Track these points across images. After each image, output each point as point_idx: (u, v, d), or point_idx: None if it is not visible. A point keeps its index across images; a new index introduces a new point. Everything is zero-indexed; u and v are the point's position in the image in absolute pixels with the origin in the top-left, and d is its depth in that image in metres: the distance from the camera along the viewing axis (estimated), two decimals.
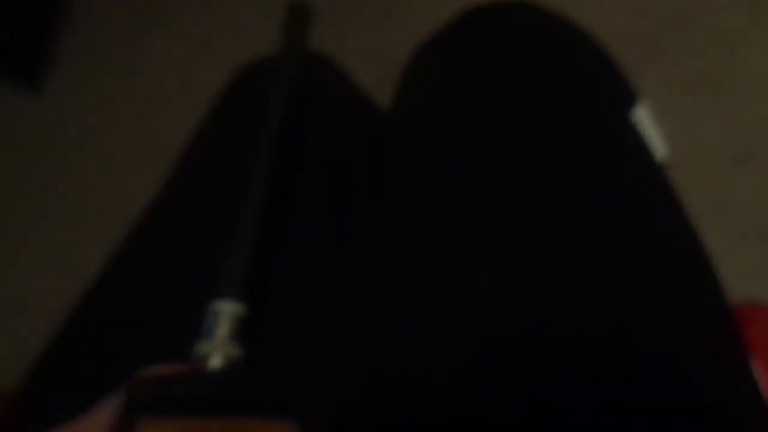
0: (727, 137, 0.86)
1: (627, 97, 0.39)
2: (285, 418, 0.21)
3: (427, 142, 0.39)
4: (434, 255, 0.35)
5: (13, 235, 1.11)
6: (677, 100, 0.86)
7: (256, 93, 0.43)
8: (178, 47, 1.14)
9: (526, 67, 0.38)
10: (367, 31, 1.02)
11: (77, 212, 1.08)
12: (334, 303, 0.37)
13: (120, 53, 1.17)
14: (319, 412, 0.21)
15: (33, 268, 1.07)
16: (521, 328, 0.32)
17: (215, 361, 0.24)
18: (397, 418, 0.31)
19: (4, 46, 1.14)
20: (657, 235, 0.35)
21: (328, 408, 0.21)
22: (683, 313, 0.33)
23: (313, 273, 0.38)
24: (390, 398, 0.32)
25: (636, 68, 0.89)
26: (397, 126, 0.42)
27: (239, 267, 0.26)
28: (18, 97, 1.18)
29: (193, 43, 1.13)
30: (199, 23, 1.14)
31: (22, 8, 1.14)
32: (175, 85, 1.09)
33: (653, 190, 0.37)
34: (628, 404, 0.30)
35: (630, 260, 0.33)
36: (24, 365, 0.38)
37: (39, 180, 1.13)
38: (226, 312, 0.25)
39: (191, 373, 0.23)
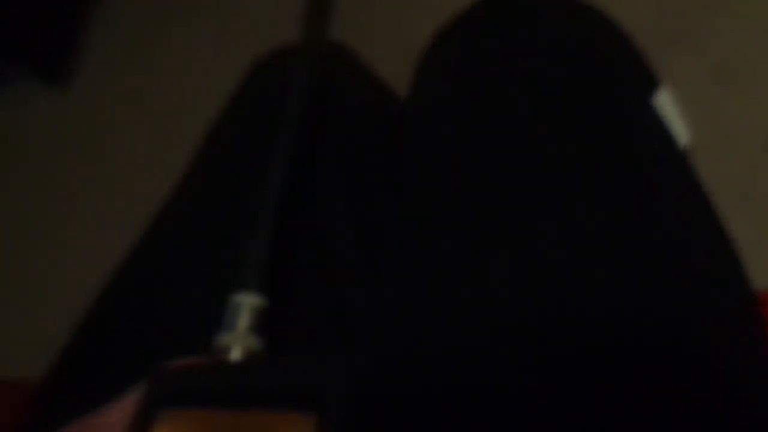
0: (756, 125, 0.84)
1: (649, 82, 0.38)
2: (304, 409, 0.21)
3: (444, 129, 0.38)
4: (452, 243, 0.34)
5: (39, 228, 1.13)
6: (705, 87, 0.84)
7: (273, 84, 0.43)
8: (201, 42, 1.14)
9: (544, 52, 0.37)
10: (385, 21, 1.02)
11: (102, 206, 1.09)
12: (353, 293, 0.37)
13: (143, 49, 1.18)
14: (338, 403, 0.21)
15: (58, 261, 1.09)
16: (540, 317, 0.31)
17: (235, 354, 0.24)
18: (415, 407, 0.31)
19: (30, 44, 1.16)
20: (679, 222, 0.34)
21: (347, 399, 0.21)
22: (707, 301, 0.32)
23: (331, 263, 0.38)
24: (407, 387, 0.32)
25: (663, 54, 0.87)
26: (414, 114, 0.42)
27: (259, 259, 0.26)
28: (44, 94, 1.20)
29: (216, 38, 1.13)
30: (220, 18, 1.14)
31: (49, 6, 1.16)
32: (198, 80, 1.10)
33: (675, 177, 0.36)
34: (651, 395, 0.30)
35: (652, 249, 0.33)
36: (47, 357, 0.39)
37: (64, 174, 1.15)
38: (247, 304, 0.25)
39: (212, 365, 0.24)
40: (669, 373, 0.30)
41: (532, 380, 0.30)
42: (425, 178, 0.38)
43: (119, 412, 0.23)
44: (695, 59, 0.87)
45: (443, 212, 0.36)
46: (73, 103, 1.18)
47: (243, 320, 0.25)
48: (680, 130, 0.38)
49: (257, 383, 0.22)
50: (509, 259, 0.33)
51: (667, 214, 0.34)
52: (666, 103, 0.38)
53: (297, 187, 0.29)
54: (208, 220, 0.40)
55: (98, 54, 1.20)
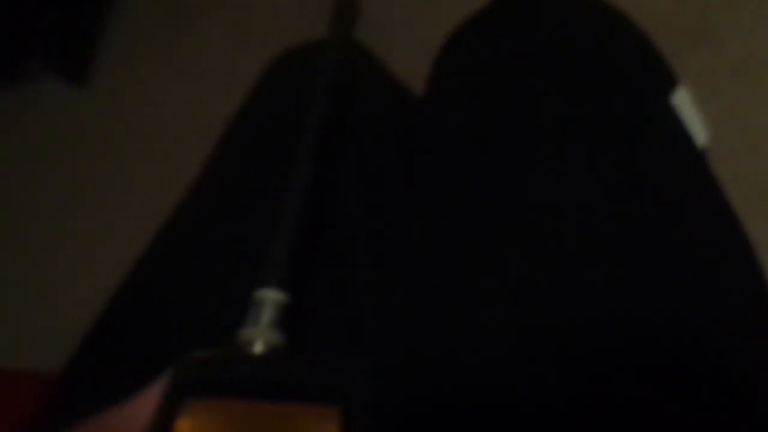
0: None
1: (666, 81, 0.38)
2: (328, 402, 0.21)
3: (459, 126, 0.38)
4: (466, 242, 0.35)
5: (59, 223, 1.14)
6: (725, 85, 0.83)
7: (291, 82, 0.43)
8: (219, 40, 1.15)
9: (561, 50, 0.37)
10: (404, 21, 1.01)
11: (120, 202, 1.10)
12: (367, 290, 0.37)
13: (162, 47, 1.18)
14: (360, 397, 0.21)
15: (77, 255, 1.10)
16: (556, 317, 0.31)
17: (258, 348, 0.24)
18: (427, 407, 0.31)
19: (51, 42, 1.17)
20: (697, 223, 0.34)
21: (370, 394, 0.21)
22: (724, 302, 0.32)
23: (344, 262, 0.38)
24: (419, 388, 0.32)
25: (682, 51, 0.87)
26: (429, 111, 0.42)
27: (283, 255, 0.26)
28: (64, 91, 1.21)
29: (233, 36, 1.14)
30: (238, 17, 1.15)
31: (70, 5, 1.17)
32: (216, 78, 1.11)
33: (693, 176, 0.36)
34: (666, 397, 0.29)
35: (669, 249, 0.32)
36: (65, 350, 0.39)
37: (83, 171, 1.16)
38: (270, 299, 0.25)
39: (236, 357, 0.24)
40: (684, 374, 0.30)
41: (548, 381, 0.30)
42: (438, 177, 0.38)
43: (143, 403, 0.24)
44: (715, 56, 0.86)
45: (456, 211, 0.36)
46: (92, 101, 1.19)
47: (266, 315, 0.25)
48: (698, 130, 0.38)
49: (281, 375, 0.22)
50: (524, 258, 0.33)
51: (684, 215, 0.34)
52: (684, 102, 0.38)
53: (320, 184, 0.29)
54: (225, 217, 0.40)
55: (118, 52, 1.21)
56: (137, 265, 0.41)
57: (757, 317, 0.33)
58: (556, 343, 0.31)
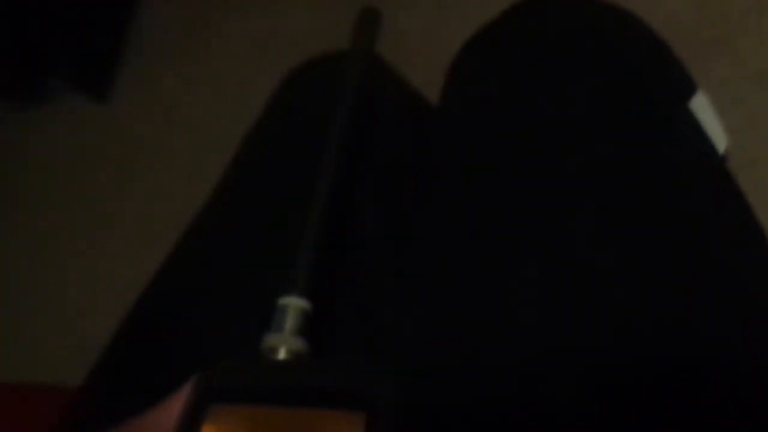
0: None
1: (685, 87, 0.38)
2: (353, 409, 0.21)
3: (474, 135, 0.38)
4: (483, 250, 0.34)
5: (79, 237, 1.15)
6: (746, 93, 0.83)
7: (309, 92, 0.43)
8: (239, 54, 1.16)
9: (578, 57, 0.37)
10: (421, 31, 1.02)
11: (142, 216, 1.11)
12: (388, 299, 0.37)
13: (182, 62, 1.20)
14: (386, 403, 0.21)
15: (97, 269, 1.11)
16: (573, 326, 0.31)
17: (282, 355, 0.24)
18: (454, 412, 0.31)
19: (72, 58, 1.19)
20: (715, 229, 0.33)
21: (395, 400, 0.21)
22: (746, 312, 0.32)
23: (362, 271, 0.38)
24: (446, 393, 0.31)
25: (703, 59, 0.86)
26: (443, 120, 0.41)
27: (307, 263, 0.26)
28: (85, 108, 1.23)
29: (251, 49, 1.15)
30: (258, 31, 1.16)
31: (90, 22, 1.19)
32: (237, 91, 1.12)
33: (712, 183, 0.35)
34: (688, 409, 0.29)
35: (689, 257, 0.32)
36: (86, 363, 0.39)
37: (105, 185, 1.17)
38: (293, 307, 0.25)
39: (260, 364, 0.24)
40: (707, 386, 0.29)
41: (565, 392, 0.30)
42: (454, 185, 0.38)
43: (168, 410, 0.23)
44: (737, 64, 0.85)
45: (474, 219, 0.35)
46: (114, 117, 1.21)
47: (289, 322, 0.25)
48: (718, 137, 0.37)
49: (306, 382, 0.22)
50: (541, 267, 0.32)
51: (705, 222, 0.33)
52: (703, 108, 0.37)
53: (343, 191, 0.29)
54: (245, 226, 0.40)
55: (138, 67, 1.23)
56: (157, 276, 0.41)
57: None
58: (578, 353, 0.30)
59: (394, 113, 0.45)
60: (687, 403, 0.29)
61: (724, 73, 0.84)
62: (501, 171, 0.36)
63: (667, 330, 0.30)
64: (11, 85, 1.23)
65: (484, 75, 0.40)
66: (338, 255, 0.38)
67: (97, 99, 1.21)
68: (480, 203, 0.36)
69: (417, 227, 0.38)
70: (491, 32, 0.41)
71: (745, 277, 0.33)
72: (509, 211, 0.35)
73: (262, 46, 1.14)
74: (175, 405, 0.23)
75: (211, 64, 1.17)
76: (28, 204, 1.23)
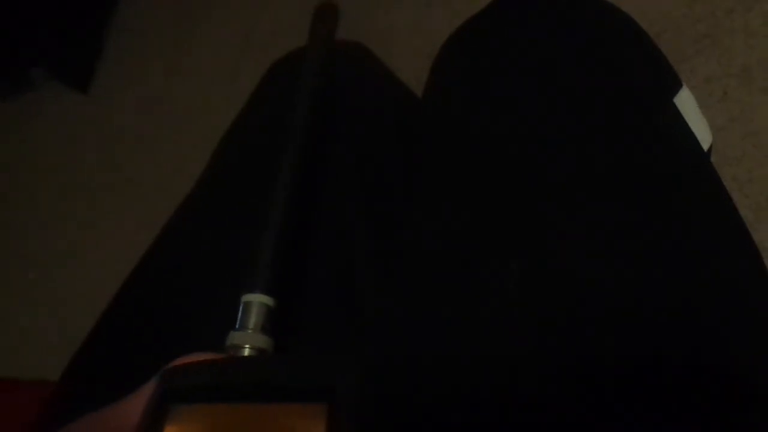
0: None
1: (669, 82, 0.37)
2: (315, 402, 0.20)
3: (458, 126, 0.38)
4: (467, 240, 0.34)
5: (60, 229, 1.14)
6: (733, 89, 0.83)
7: (281, 88, 0.43)
8: (222, 45, 1.15)
9: (562, 50, 0.37)
10: (408, 26, 1.01)
11: (123, 208, 1.10)
12: (368, 289, 0.37)
13: (164, 54, 1.19)
14: (349, 395, 0.20)
15: (77, 263, 1.10)
16: (556, 319, 0.31)
17: (244, 351, 0.24)
18: (426, 404, 0.31)
19: (54, 50, 1.18)
20: (699, 224, 0.33)
21: (358, 392, 0.21)
22: (728, 305, 0.31)
23: (346, 260, 0.38)
24: (416, 388, 0.31)
25: (690, 56, 0.86)
26: (427, 112, 0.41)
27: (268, 259, 0.26)
28: (67, 98, 1.22)
29: (237, 41, 1.14)
30: (242, 22, 1.15)
31: (73, 14, 1.18)
32: (220, 83, 1.11)
33: (696, 178, 0.35)
34: (672, 401, 0.29)
35: (673, 250, 0.32)
36: (63, 359, 0.39)
37: (86, 175, 1.16)
38: (257, 304, 0.25)
39: (223, 361, 0.23)
40: (691, 378, 0.29)
41: (547, 386, 0.30)
42: (439, 173, 0.38)
43: (132, 407, 0.23)
44: (723, 61, 0.85)
45: (455, 211, 0.35)
46: (95, 107, 1.20)
47: (253, 319, 0.24)
48: (703, 132, 0.37)
49: (268, 377, 0.22)
50: (525, 259, 0.32)
51: (687, 215, 0.33)
52: (688, 104, 0.37)
53: (307, 186, 0.28)
54: (219, 222, 0.40)
55: (120, 59, 1.22)
56: (134, 272, 0.41)
57: (762, 320, 0.32)
58: (558, 346, 0.30)
59: (380, 105, 0.45)
60: (670, 398, 0.29)
61: (710, 69, 0.84)
62: (482, 165, 0.36)
63: (650, 324, 0.30)
64: None
65: (466, 69, 0.40)
66: (311, 243, 0.37)
67: (79, 90, 1.20)
68: (462, 197, 0.36)
69: (401, 219, 0.38)
70: (474, 26, 0.41)
71: (728, 271, 0.32)
72: (491, 205, 0.34)
73: (246, 39, 1.13)
74: (140, 400, 0.23)
75: (195, 56, 1.16)
76: (7, 196, 1.22)
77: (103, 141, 1.17)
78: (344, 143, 0.41)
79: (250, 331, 0.24)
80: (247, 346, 0.24)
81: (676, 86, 0.38)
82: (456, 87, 0.39)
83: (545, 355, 0.30)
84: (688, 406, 0.29)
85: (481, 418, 0.30)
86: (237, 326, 0.24)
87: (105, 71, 1.22)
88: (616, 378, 0.29)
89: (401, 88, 0.47)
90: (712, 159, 0.38)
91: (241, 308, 0.25)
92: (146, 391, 0.23)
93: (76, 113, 1.21)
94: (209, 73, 1.13)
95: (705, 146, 0.37)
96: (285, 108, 0.31)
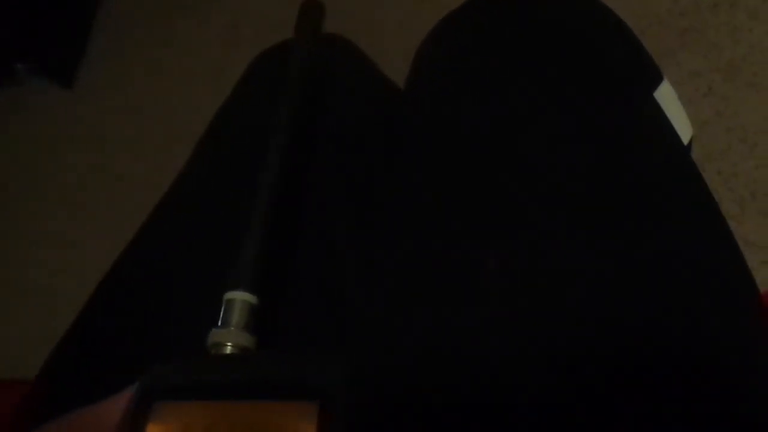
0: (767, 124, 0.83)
1: (650, 75, 0.38)
2: (302, 398, 0.20)
3: (437, 118, 0.38)
4: (446, 235, 0.34)
5: (41, 224, 1.13)
6: (718, 84, 0.83)
7: (272, 79, 0.43)
8: (207, 41, 1.14)
9: (542, 42, 0.37)
10: (397, 22, 1.01)
11: (107, 204, 1.09)
12: (352, 286, 0.37)
13: (150, 49, 1.18)
14: (340, 392, 0.20)
15: (60, 259, 1.09)
16: (533, 315, 0.31)
17: (227, 349, 0.24)
18: (412, 403, 0.31)
19: (39, 45, 1.17)
20: (676, 216, 0.33)
21: (348, 389, 0.21)
22: (709, 302, 0.32)
23: (330, 256, 0.38)
24: (411, 380, 0.31)
25: (676, 51, 0.86)
26: (408, 104, 0.41)
27: (251, 257, 0.26)
28: (52, 93, 1.20)
29: (222, 37, 1.13)
30: (227, 17, 1.14)
31: (58, 10, 1.17)
32: (205, 78, 1.10)
33: (676, 171, 0.35)
34: (652, 398, 0.29)
35: (651, 246, 0.32)
36: (42, 356, 0.39)
37: (71, 171, 1.15)
38: (239, 301, 0.25)
39: (206, 359, 0.23)
40: (670, 375, 0.29)
41: (527, 380, 0.30)
42: (419, 167, 0.37)
43: (113, 407, 0.23)
44: (707, 56, 0.85)
45: (434, 206, 0.35)
46: (80, 103, 1.19)
47: (236, 318, 0.24)
48: (683, 126, 0.37)
49: (252, 374, 0.22)
50: (503, 254, 0.32)
51: (666, 211, 0.33)
52: (668, 97, 0.37)
53: (292, 180, 0.28)
54: (207, 214, 0.40)
55: (105, 54, 1.21)
56: (114, 267, 0.40)
57: (742, 317, 0.32)
58: (535, 341, 0.30)
59: (363, 98, 0.44)
60: (651, 392, 0.29)
61: (695, 64, 0.84)
62: (463, 157, 0.36)
63: (630, 320, 0.30)
64: None
65: (446, 60, 0.40)
66: (299, 243, 0.37)
67: (64, 86, 1.19)
68: (442, 189, 0.35)
69: (382, 211, 0.38)
70: (456, 18, 0.41)
71: (707, 266, 0.33)
72: (470, 197, 0.34)
73: (232, 34, 1.12)
74: (121, 401, 0.23)
75: (181, 51, 1.15)
76: None
77: (88, 136, 1.16)
78: (328, 138, 0.41)
79: (232, 329, 0.24)
80: (229, 343, 0.24)
81: (657, 80, 0.38)
82: (436, 79, 0.39)
83: (526, 351, 0.30)
84: (670, 400, 0.29)
85: (464, 415, 0.30)
86: (219, 324, 0.24)
87: (91, 67, 1.20)
88: (597, 372, 0.29)
89: (386, 82, 0.47)
90: (697, 152, 0.38)
91: (223, 306, 0.25)
92: (127, 393, 0.23)
93: (61, 109, 1.20)
94: (196, 68, 1.13)
95: (685, 140, 0.37)
96: (270, 105, 0.31)
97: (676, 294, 0.31)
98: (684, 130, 0.37)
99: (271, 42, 0.49)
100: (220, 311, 0.25)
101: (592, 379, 0.29)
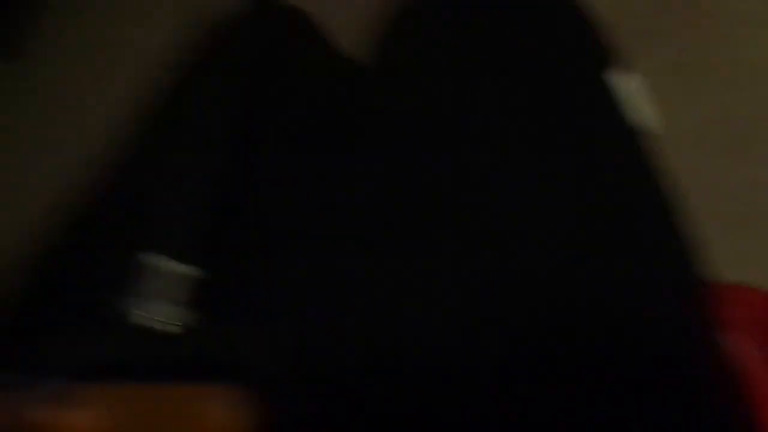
0: (719, 120, 0.84)
1: (602, 56, 0.38)
2: (223, 380, 0.19)
3: (398, 97, 0.38)
4: (400, 219, 0.33)
5: None
6: (668, 81, 0.84)
7: (221, 49, 0.42)
8: (161, 13, 1.12)
9: (499, 22, 0.37)
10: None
11: (55, 178, 1.06)
12: (294, 264, 0.36)
13: (99, 22, 1.15)
14: (265, 373, 0.19)
15: (8, 232, 1.05)
16: (486, 297, 0.30)
17: (158, 323, 0.22)
18: (351, 389, 0.30)
19: None
20: (627, 195, 0.34)
21: (275, 370, 0.20)
22: (654, 284, 0.32)
23: (272, 235, 0.37)
24: (351, 368, 0.31)
25: (627, 45, 0.87)
26: (371, 81, 0.41)
27: (180, 226, 0.25)
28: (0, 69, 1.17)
29: (176, 9, 1.10)
30: None
31: None
32: (158, 51, 1.07)
33: (627, 152, 0.36)
34: (592, 381, 0.29)
35: (597, 220, 0.32)
36: None
37: (19, 147, 1.12)
38: (165, 272, 0.23)
39: (132, 338, 0.22)
40: (614, 356, 0.29)
41: (475, 367, 0.29)
42: (379, 144, 0.37)
43: (22, 399, 0.21)
44: (661, 52, 0.87)
45: (390, 187, 0.35)
46: (27, 75, 1.15)
47: (162, 287, 0.23)
48: (645, 113, 0.38)
49: (177, 354, 0.20)
50: (457, 238, 0.32)
51: (615, 187, 0.33)
52: (630, 86, 0.38)
53: (234, 159, 0.27)
54: (137, 187, 0.38)
55: (53, 25, 1.17)
56: (49, 240, 0.38)
57: (687, 300, 0.33)
58: (485, 326, 0.30)
59: (315, 69, 0.44)
60: (598, 375, 0.29)
61: (648, 59, 0.85)
62: (418, 139, 0.35)
63: (576, 299, 0.30)
64: None
65: (414, 40, 0.40)
66: (238, 219, 0.36)
67: (10, 57, 1.15)
68: (397, 172, 0.35)
69: (334, 184, 0.37)
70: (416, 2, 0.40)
71: (654, 246, 0.33)
72: (425, 180, 0.34)
73: (187, 8, 1.10)
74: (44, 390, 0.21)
75: (134, 23, 1.12)
76: None
77: (36, 109, 1.13)
78: (280, 107, 0.40)
79: (161, 301, 0.23)
80: (159, 316, 0.22)
81: (610, 60, 0.38)
82: (398, 60, 0.39)
83: (472, 337, 0.30)
84: (612, 378, 0.29)
85: (405, 402, 0.29)
86: (146, 294, 0.23)
87: (38, 38, 1.17)
88: (548, 362, 0.29)
89: (335, 48, 0.47)
90: (663, 150, 0.39)
91: (148, 275, 0.23)
92: (41, 381, 0.22)
93: (7, 81, 1.16)
94: (149, 40, 1.10)
95: (651, 126, 0.38)
96: (221, 79, 0.30)
97: (624, 273, 0.31)
98: (647, 120, 0.37)
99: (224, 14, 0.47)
100: (144, 279, 0.23)
101: (545, 369, 0.29)
